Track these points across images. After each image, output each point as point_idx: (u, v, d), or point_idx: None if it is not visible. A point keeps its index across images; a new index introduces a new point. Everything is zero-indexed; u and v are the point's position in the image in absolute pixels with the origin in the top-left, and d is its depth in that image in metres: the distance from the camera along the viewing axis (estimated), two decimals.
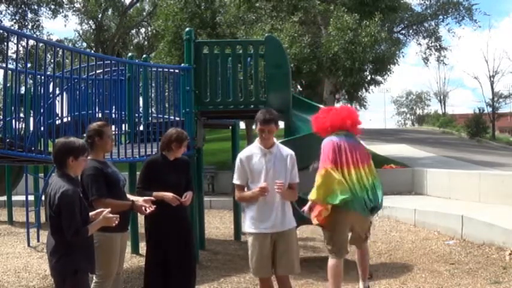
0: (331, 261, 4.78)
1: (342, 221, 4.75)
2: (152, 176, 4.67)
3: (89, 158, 3.94)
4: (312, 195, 4.67)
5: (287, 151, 4.21)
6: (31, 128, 6.19)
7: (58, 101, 6.32)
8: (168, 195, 4.50)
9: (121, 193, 4.06)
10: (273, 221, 4.07)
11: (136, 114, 7.53)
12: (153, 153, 6.84)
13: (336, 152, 4.74)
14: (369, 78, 20.97)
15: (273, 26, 15.22)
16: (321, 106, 8.78)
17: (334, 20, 14.87)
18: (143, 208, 4.00)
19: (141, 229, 8.53)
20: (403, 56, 56.78)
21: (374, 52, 15.76)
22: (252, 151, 4.19)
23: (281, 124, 7.40)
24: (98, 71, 7.05)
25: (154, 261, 4.71)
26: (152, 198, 4.18)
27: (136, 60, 8.89)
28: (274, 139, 4.25)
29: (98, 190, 3.86)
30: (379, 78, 21.29)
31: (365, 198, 4.69)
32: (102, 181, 3.91)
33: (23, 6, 26.08)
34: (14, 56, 11.49)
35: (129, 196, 4.21)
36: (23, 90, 7.82)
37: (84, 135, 4.31)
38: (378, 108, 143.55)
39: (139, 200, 4.11)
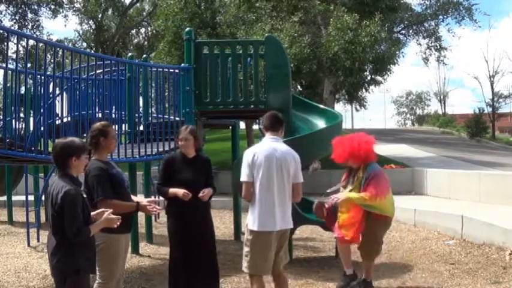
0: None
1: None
2: (169, 173, 4.73)
3: (93, 158, 3.96)
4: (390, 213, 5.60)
5: None
6: (31, 128, 6.19)
7: (58, 101, 6.32)
8: (180, 191, 4.54)
9: (126, 194, 4.04)
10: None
11: (136, 114, 7.53)
12: (153, 153, 6.86)
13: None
14: (368, 78, 20.99)
15: (273, 26, 15.21)
16: (321, 106, 8.80)
17: (334, 20, 14.86)
18: (149, 208, 4.00)
19: (141, 229, 8.56)
20: (403, 56, 56.89)
21: (374, 52, 15.74)
22: None
23: None
24: (98, 71, 7.05)
25: (177, 260, 4.74)
26: (156, 199, 4.24)
27: (136, 60, 8.88)
28: (263, 139, 4.36)
29: (104, 191, 3.84)
30: (379, 78, 21.29)
31: None
32: (108, 182, 3.89)
33: (23, 6, 26.10)
34: (14, 56, 11.52)
35: (132, 197, 4.22)
36: (23, 90, 7.82)
37: (85, 135, 4.32)
38: (378, 108, 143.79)
39: (143, 200, 4.13)
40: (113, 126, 4.78)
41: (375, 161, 5.54)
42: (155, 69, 8.04)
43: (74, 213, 3.19)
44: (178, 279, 4.72)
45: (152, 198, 4.51)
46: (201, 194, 4.60)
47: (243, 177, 4.14)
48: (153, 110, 8.27)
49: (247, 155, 4.15)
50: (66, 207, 3.18)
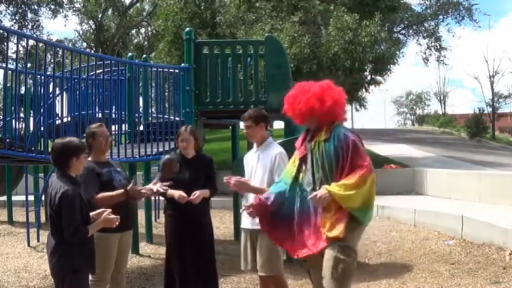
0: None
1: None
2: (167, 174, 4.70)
3: (88, 159, 3.98)
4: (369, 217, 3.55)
5: (275, 150, 4.16)
6: (31, 128, 6.19)
7: (58, 101, 6.32)
8: (176, 193, 4.50)
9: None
10: (252, 219, 4.04)
11: (136, 114, 7.53)
12: (153, 153, 6.86)
13: None
14: (368, 78, 20.99)
15: (273, 26, 15.22)
16: None
17: (334, 20, 14.88)
18: (141, 192, 4.02)
19: (141, 229, 8.56)
20: (403, 56, 56.82)
21: (374, 52, 15.75)
22: (253, 149, 4.36)
23: (281, 124, 7.45)
24: (98, 71, 7.05)
25: (171, 262, 4.68)
26: (152, 187, 4.21)
27: (136, 60, 8.88)
28: (271, 138, 4.32)
29: (86, 190, 3.84)
30: (379, 78, 21.28)
31: None
32: (93, 181, 3.93)
33: (23, 6, 26.13)
34: (14, 56, 11.53)
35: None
36: (23, 90, 7.82)
37: (84, 135, 4.35)
38: (378, 108, 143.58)
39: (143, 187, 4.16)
40: (112, 127, 4.79)
41: (342, 123, 3.82)
42: (155, 69, 8.05)
43: (71, 214, 3.20)
44: (170, 281, 4.64)
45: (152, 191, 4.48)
46: (191, 197, 4.50)
47: None
48: (153, 110, 8.27)
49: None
50: (63, 208, 3.19)
